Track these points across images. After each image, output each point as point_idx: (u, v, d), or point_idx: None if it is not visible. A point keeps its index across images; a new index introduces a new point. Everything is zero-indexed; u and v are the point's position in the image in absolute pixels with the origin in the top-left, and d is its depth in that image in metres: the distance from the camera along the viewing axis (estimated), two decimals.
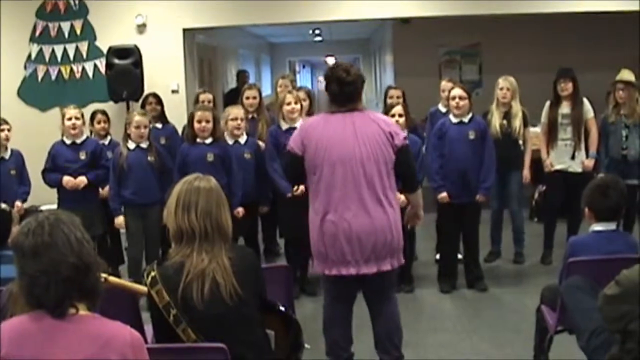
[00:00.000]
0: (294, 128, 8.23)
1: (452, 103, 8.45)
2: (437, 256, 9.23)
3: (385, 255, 5.63)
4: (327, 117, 5.73)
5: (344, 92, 5.64)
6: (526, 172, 9.50)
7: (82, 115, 8.76)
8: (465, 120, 8.43)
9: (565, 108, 9.35)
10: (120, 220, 8.32)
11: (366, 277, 5.66)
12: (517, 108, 9.26)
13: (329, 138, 5.57)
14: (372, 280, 5.72)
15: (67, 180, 8.50)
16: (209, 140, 8.21)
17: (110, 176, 8.31)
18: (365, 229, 5.53)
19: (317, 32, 24.77)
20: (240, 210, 8.07)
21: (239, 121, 8.53)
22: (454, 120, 8.45)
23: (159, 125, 9.96)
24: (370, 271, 5.61)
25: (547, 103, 9.51)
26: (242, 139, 8.63)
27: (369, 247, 5.55)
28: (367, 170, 5.54)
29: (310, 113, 8.99)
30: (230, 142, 8.56)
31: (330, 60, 35.07)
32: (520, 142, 9.37)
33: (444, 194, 8.38)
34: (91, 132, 9.50)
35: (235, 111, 8.66)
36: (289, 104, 8.28)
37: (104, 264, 3.12)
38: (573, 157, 9.36)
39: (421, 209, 6.19)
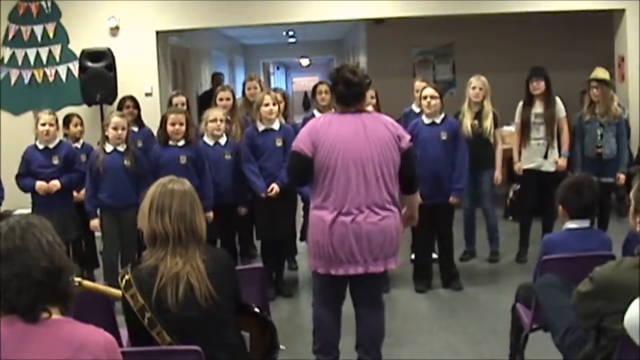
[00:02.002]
0: (271, 129, 8.25)
1: (424, 102, 8.47)
2: (412, 256, 9.24)
3: (392, 253, 5.74)
4: (337, 117, 5.77)
5: (351, 93, 5.69)
6: (497, 174, 9.55)
7: (57, 121, 8.73)
8: (438, 121, 8.46)
9: (537, 107, 9.40)
10: (95, 223, 8.28)
11: (359, 277, 5.71)
12: (488, 108, 9.31)
13: (342, 140, 5.61)
14: (364, 281, 5.78)
15: (39, 185, 8.45)
16: (181, 143, 8.20)
17: (86, 179, 8.28)
18: (374, 229, 5.60)
19: (290, 33, 24.79)
20: (210, 215, 8.03)
21: (218, 122, 8.51)
22: (427, 121, 8.48)
23: (135, 129, 9.96)
24: (378, 269, 5.71)
25: (520, 103, 9.55)
26: (222, 140, 8.61)
27: (378, 245, 5.63)
28: (379, 172, 5.61)
29: (285, 115, 9.00)
30: (211, 143, 8.54)
31: (305, 62, 35.10)
32: (492, 141, 9.40)
33: None
34: (66, 135, 9.47)
35: (215, 112, 8.65)
36: (267, 105, 8.27)
37: (77, 268, 3.11)
38: (546, 156, 9.40)
39: (417, 211, 6.25)
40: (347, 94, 5.69)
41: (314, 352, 6.04)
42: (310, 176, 5.76)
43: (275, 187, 8.13)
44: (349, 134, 5.62)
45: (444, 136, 8.41)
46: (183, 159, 8.14)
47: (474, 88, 9.31)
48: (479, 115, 9.29)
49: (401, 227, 5.86)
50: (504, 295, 7.68)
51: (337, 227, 5.60)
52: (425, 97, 8.46)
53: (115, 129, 8.15)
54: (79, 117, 9.71)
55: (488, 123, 9.25)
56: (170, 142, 8.22)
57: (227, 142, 8.64)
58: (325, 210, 5.65)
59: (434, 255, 8.98)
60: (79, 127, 9.57)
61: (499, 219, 10.23)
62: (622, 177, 9.23)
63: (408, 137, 5.86)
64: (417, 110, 9.35)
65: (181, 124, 8.17)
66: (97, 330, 2.87)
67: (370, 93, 9.03)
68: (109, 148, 8.20)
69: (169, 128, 8.17)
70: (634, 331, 3.47)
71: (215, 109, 8.81)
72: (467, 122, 9.23)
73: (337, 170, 5.58)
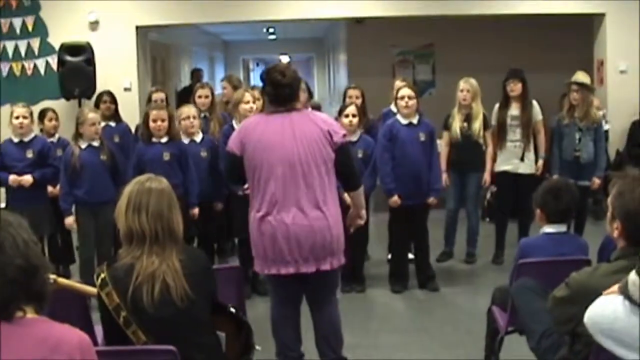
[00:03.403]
0: None
1: (401, 103, 8.46)
2: (389, 256, 9.23)
3: (325, 255, 5.60)
4: (266, 117, 5.72)
5: (279, 94, 5.63)
6: (487, 176, 9.57)
7: (31, 114, 8.70)
8: (415, 121, 8.47)
9: (514, 110, 9.43)
10: (70, 220, 8.23)
11: (308, 277, 5.64)
12: (477, 110, 9.31)
13: (268, 139, 5.54)
14: (313, 281, 5.70)
15: (12, 178, 8.41)
16: (164, 139, 8.19)
17: (61, 175, 8.22)
18: (303, 231, 5.50)
19: (271, 30, 24.74)
20: (195, 211, 8.06)
21: (191, 119, 8.51)
22: (404, 121, 8.47)
23: (112, 124, 9.96)
24: (309, 270, 5.58)
25: (497, 105, 9.57)
26: (198, 138, 8.61)
27: (307, 247, 5.52)
28: (306, 171, 5.52)
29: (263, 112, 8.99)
30: (186, 141, 8.53)
31: (285, 59, 35.08)
32: (482, 143, 9.42)
33: (395, 198, 8.41)
34: (41, 130, 9.43)
35: (186, 110, 8.65)
36: (247, 102, 8.25)
37: (52, 266, 3.09)
38: (522, 159, 9.43)
39: (363, 209, 6.12)
40: (275, 94, 5.64)
41: (276, 355, 5.96)
42: (242, 175, 5.73)
43: None
44: (275, 133, 5.55)
45: (422, 137, 8.42)
46: (166, 156, 8.12)
47: (461, 91, 9.31)
48: (468, 118, 9.30)
49: (340, 226, 5.71)
50: (480, 297, 7.69)
51: (266, 227, 5.55)
52: (402, 97, 8.45)
53: (93, 124, 8.13)
54: (54, 111, 9.67)
55: (477, 125, 9.26)
56: (154, 139, 8.19)
57: (202, 140, 8.62)
58: (257, 210, 5.61)
59: (410, 256, 8.98)
60: (53, 122, 9.53)
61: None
62: (597, 181, 9.25)
63: (342, 132, 5.76)
64: (395, 110, 9.36)
65: (163, 120, 8.14)
66: (71, 329, 2.85)
67: (355, 93, 9.05)
68: (83, 144, 8.16)
69: (151, 125, 8.14)
70: (594, 328, 3.49)
71: (187, 106, 8.83)
72: (456, 124, 9.26)
73: (263, 169, 5.53)
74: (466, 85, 9.31)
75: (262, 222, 5.56)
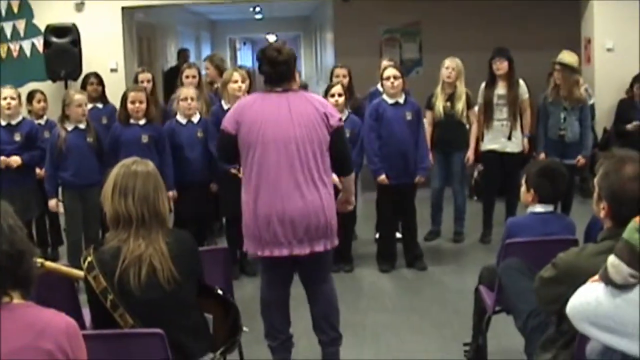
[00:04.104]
0: None
1: (387, 83, 8.46)
2: (377, 235, 9.25)
3: (319, 237, 5.59)
4: (262, 96, 5.68)
5: (276, 72, 5.59)
6: (470, 154, 9.60)
7: (19, 96, 8.67)
8: (401, 101, 8.48)
9: (501, 89, 9.43)
10: (53, 202, 8.23)
11: (301, 258, 5.62)
12: (461, 89, 9.33)
13: (263, 118, 5.51)
14: (306, 262, 5.68)
15: (2, 159, 8.37)
16: (142, 122, 8.18)
17: (46, 158, 8.21)
18: (298, 211, 5.48)
19: (257, 9, 24.67)
20: (173, 194, 8.04)
21: (189, 101, 8.51)
22: (390, 101, 8.48)
23: (99, 105, 9.94)
24: (303, 252, 5.56)
25: (483, 83, 9.57)
26: (195, 118, 8.60)
27: (302, 229, 5.50)
28: (302, 151, 5.49)
29: (250, 92, 8.96)
30: (183, 121, 8.55)
31: (271, 38, 34.98)
32: (465, 122, 9.44)
33: (382, 177, 8.42)
34: (29, 112, 9.40)
35: (185, 91, 8.67)
36: (235, 82, 8.26)
37: (39, 250, 3.09)
38: (510, 137, 9.44)
39: (352, 195, 6.15)
40: (273, 72, 5.60)
41: (265, 337, 5.93)
42: (235, 154, 5.70)
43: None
44: (272, 113, 5.52)
45: (409, 116, 8.44)
46: (145, 138, 8.12)
47: (447, 68, 9.31)
48: (451, 97, 9.30)
49: (333, 208, 5.70)
50: (467, 276, 7.69)
51: (260, 208, 5.51)
52: (388, 78, 8.45)
53: (79, 106, 8.09)
54: (42, 93, 9.62)
55: (461, 104, 9.28)
56: (132, 121, 8.18)
57: (199, 120, 8.61)
58: (250, 191, 5.58)
59: (398, 235, 9.00)
60: (42, 104, 9.49)
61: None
62: (581, 160, 9.26)
63: (338, 115, 5.77)
64: (382, 89, 9.36)
65: (141, 102, 8.14)
66: (58, 314, 2.85)
67: (342, 72, 9.05)
68: (69, 126, 8.13)
69: (129, 106, 8.14)
70: (577, 317, 3.50)
71: (186, 88, 8.82)
72: (440, 103, 9.27)
73: (258, 148, 5.48)
74: (452, 64, 9.31)
75: (256, 203, 5.53)
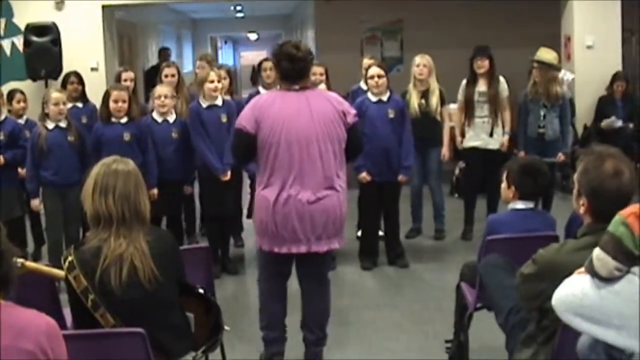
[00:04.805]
0: (215, 105, 8.20)
1: (371, 82, 8.48)
2: (359, 233, 9.26)
3: (336, 233, 5.72)
4: (281, 95, 5.71)
5: (295, 69, 5.63)
6: (445, 151, 9.63)
7: (2, 95, 8.65)
8: (384, 98, 8.48)
9: (482, 86, 9.46)
10: (36, 202, 8.21)
11: (305, 255, 5.70)
12: (434, 86, 9.35)
13: (285, 117, 5.55)
14: (309, 259, 5.76)
15: None
16: (124, 120, 8.15)
17: (27, 157, 8.17)
18: (318, 208, 5.56)
19: (238, 8, 24.63)
20: (154, 192, 7.99)
21: (162, 99, 8.45)
22: (373, 99, 8.49)
23: (80, 105, 9.90)
24: (321, 249, 5.68)
25: (464, 81, 9.59)
26: (171, 118, 8.55)
27: (321, 225, 5.60)
28: (323, 149, 5.57)
29: (230, 91, 8.96)
30: (159, 120, 8.50)
31: (253, 36, 34.93)
32: (439, 119, 9.45)
33: (364, 174, 8.44)
34: (9, 112, 9.36)
35: (159, 89, 8.62)
36: (212, 81, 8.23)
37: (20, 250, 3.07)
38: (491, 134, 9.46)
39: None
40: (292, 69, 5.63)
41: (261, 329, 6.03)
42: (253, 154, 5.71)
43: (228, 173, 8.19)
44: (292, 111, 5.57)
45: (391, 114, 8.44)
46: (127, 136, 8.08)
47: (417, 65, 9.32)
48: (425, 94, 9.32)
49: (346, 205, 5.82)
50: (449, 273, 7.70)
51: (280, 206, 5.56)
52: (372, 77, 8.48)
53: (56, 104, 8.04)
54: (22, 92, 9.61)
55: (434, 101, 9.29)
56: (113, 119, 8.15)
57: (175, 120, 8.57)
58: (269, 189, 5.61)
59: (380, 233, 9.00)
60: (22, 104, 9.48)
61: (445, 196, 10.29)
62: (562, 157, 9.33)
63: (353, 112, 5.84)
64: (365, 87, 9.35)
65: (124, 101, 8.11)
66: (38, 315, 2.84)
67: (319, 70, 9.05)
68: (50, 125, 8.10)
69: (112, 105, 8.10)
70: (562, 308, 3.51)
71: (161, 86, 8.76)
72: (414, 101, 9.27)
73: (280, 147, 5.53)
74: (422, 60, 9.33)
75: (277, 200, 5.57)
